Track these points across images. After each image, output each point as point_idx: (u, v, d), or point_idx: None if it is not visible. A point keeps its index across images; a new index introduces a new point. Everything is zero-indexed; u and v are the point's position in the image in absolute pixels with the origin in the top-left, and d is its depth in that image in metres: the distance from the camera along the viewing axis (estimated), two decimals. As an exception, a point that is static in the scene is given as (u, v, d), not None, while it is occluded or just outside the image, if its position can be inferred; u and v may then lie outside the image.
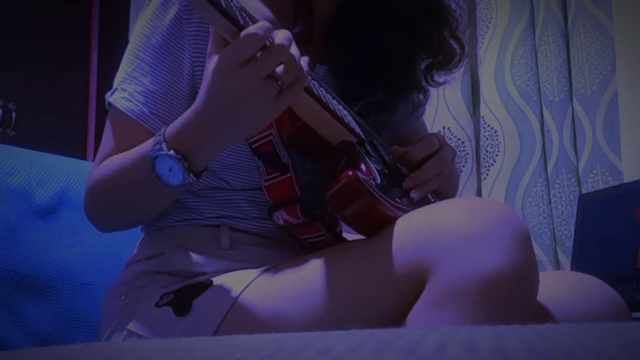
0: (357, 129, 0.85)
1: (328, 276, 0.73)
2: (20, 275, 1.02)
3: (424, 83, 1.00)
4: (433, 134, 0.93)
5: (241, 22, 0.66)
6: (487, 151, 2.02)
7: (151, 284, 0.84)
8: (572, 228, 1.75)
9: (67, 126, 2.97)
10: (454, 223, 0.67)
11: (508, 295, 0.63)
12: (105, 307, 0.88)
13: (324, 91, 0.81)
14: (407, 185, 0.86)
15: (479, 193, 2.01)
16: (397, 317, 0.68)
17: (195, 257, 0.84)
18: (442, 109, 2.06)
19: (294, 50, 0.69)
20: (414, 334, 0.38)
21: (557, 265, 1.83)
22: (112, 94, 0.86)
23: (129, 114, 0.83)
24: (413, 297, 0.67)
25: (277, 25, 0.89)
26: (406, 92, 0.99)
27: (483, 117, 2.03)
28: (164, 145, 0.73)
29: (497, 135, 1.99)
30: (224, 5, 0.65)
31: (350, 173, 0.72)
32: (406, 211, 0.74)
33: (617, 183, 1.73)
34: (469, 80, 2.05)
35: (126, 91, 0.84)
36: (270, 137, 0.80)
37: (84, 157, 2.92)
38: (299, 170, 0.82)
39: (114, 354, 0.41)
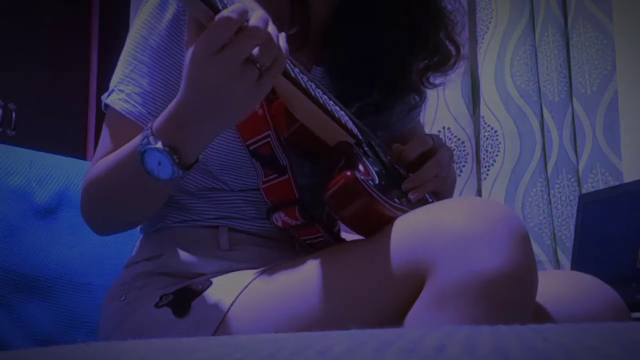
0: (355, 130, 0.85)
1: (327, 276, 0.73)
2: (20, 275, 1.02)
3: (419, 85, 1.00)
4: (428, 135, 0.94)
5: (219, 6, 0.65)
6: (487, 151, 2.02)
7: (151, 285, 0.84)
8: (572, 228, 1.75)
9: (67, 126, 2.97)
10: (452, 223, 0.67)
11: (507, 295, 0.63)
12: (105, 308, 0.88)
13: (321, 92, 0.81)
14: (406, 187, 0.86)
15: (479, 193, 2.01)
16: (396, 317, 0.68)
17: (194, 258, 0.84)
18: (442, 109, 2.06)
19: (271, 29, 0.67)
20: (413, 334, 0.38)
21: (557, 265, 1.83)
22: (109, 95, 0.85)
23: (127, 115, 0.83)
24: (412, 297, 0.67)
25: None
26: (402, 94, 0.99)
27: (483, 117, 2.03)
28: (151, 138, 0.72)
29: (497, 135, 1.99)
30: None
31: (348, 173, 0.72)
32: (405, 211, 0.74)
33: (617, 183, 1.73)
34: (469, 80, 2.05)
35: (124, 92, 0.84)
36: (268, 139, 0.80)
37: (84, 157, 2.92)
38: (297, 172, 0.81)
39: (114, 354, 0.41)
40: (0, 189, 1.06)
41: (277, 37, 0.69)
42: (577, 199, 1.73)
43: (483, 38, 2.06)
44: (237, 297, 0.76)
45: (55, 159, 1.18)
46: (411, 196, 0.85)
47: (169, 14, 0.84)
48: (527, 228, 0.86)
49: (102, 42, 3.06)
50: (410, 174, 0.89)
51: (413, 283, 0.67)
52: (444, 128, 2.05)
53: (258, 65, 0.67)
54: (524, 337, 0.36)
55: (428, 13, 0.95)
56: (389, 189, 0.80)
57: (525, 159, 1.92)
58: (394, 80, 0.96)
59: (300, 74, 0.77)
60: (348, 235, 0.83)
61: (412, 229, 0.70)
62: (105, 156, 0.83)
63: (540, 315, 0.78)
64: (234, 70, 0.66)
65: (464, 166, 2.02)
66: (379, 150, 0.89)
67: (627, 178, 1.72)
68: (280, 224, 0.82)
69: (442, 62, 0.98)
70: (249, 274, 0.79)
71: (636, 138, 1.74)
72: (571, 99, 1.87)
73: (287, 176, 0.80)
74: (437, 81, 1.01)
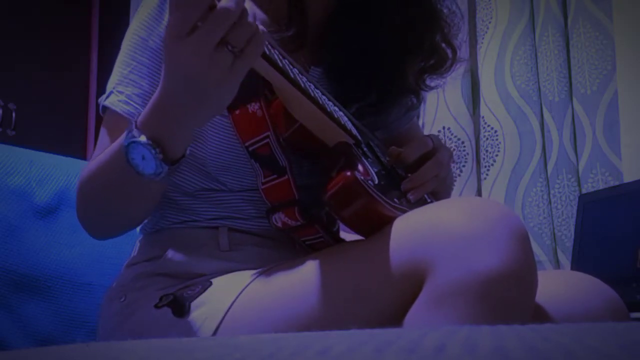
0: (354, 131, 0.85)
1: (326, 277, 0.73)
2: (20, 275, 1.02)
3: (416, 87, 1.00)
4: (428, 135, 0.94)
5: None
6: (487, 151, 2.02)
7: (150, 285, 0.84)
8: (572, 228, 1.76)
9: (67, 126, 2.97)
10: (452, 222, 0.67)
11: (506, 295, 0.63)
12: (104, 309, 0.88)
13: (320, 93, 0.81)
14: (405, 187, 0.86)
15: (479, 193, 2.02)
16: (395, 317, 0.68)
17: (194, 258, 0.84)
18: (442, 109, 2.06)
19: (247, 6, 0.65)
20: (413, 334, 0.38)
21: (557, 265, 1.83)
22: (108, 97, 0.85)
23: (128, 117, 0.82)
24: (411, 297, 0.67)
25: (270, 28, 0.89)
26: (399, 95, 0.99)
27: (483, 117, 2.03)
28: (135, 132, 0.71)
29: (497, 135, 1.99)
30: None
31: (348, 174, 0.72)
32: (404, 211, 0.74)
33: (617, 183, 1.73)
34: (469, 80, 2.05)
35: (123, 94, 0.83)
36: (267, 140, 0.80)
37: (84, 157, 2.92)
38: (297, 172, 0.81)
39: (114, 354, 0.41)
40: (0, 189, 1.06)
41: (253, 16, 0.66)
42: (577, 199, 1.73)
43: (483, 38, 2.06)
44: (236, 298, 0.76)
45: (55, 159, 1.18)
46: (410, 196, 0.85)
47: (168, 15, 0.83)
48: (527, 228, 0.86)
49: (102, 42, 3.06)
50: (409, 174, 0.89)
51: (412, 283, 0.67)
52: (444, 128, 2.05)
53: (231, 47, 0.65)
54: (524, 337, 0.36)
55: (424, 15, 0.95)
56: (388, 189, 0.80)
57: (525, 159, 1.93)
58: (390, 82, 0.96)
59: (299, 75, 0.77)
60: (348, 235, 0.83)
61: (411, 229, 0.70)
62: None
63: (539, 315, 0.78)
64: (206, 53, 0.64)
65: (464, 166, 2.02)
66: (378, 150, 0.89)
67: (627, 178, 1.72)
68: (280, 224, 0.82)
69: (438, 65, 0.98)
70: (248, 274, 0.79)
71: (636, 138, 1.74)
72: (571, 99, 1.87)
73: (286, 177, 0.80)
74: (434, 83, 1.01)
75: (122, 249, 1.10)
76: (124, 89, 0.84)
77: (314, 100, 0.77)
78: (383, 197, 0.73)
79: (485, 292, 0.63)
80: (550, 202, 1.87)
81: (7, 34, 2.81)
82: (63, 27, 3.01)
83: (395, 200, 0.77)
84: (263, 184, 0.81)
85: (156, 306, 0.80)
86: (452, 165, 2.02)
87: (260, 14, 0.92)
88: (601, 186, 1.76)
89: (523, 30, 1.97)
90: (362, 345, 0.34)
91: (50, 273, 1.05)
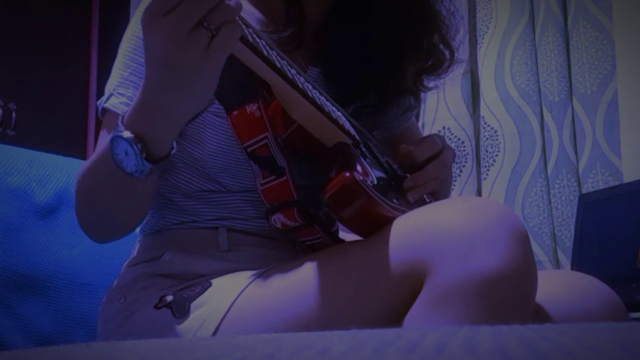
0: (352, 131, 0.85)
1: (326, 277, 0.73)
2: (20, 275, 1.02)
3: (414, 87, 1.00)
4: (435, 135, 0.93)
5: None
6: (487, 151, 2.02)
7: (150, 286, 0.84)
8: (572, 228, 1.76)
9: (67, 126, 2.97)
10: (452, 222, 0.67)
11: (506, 295, 0.63)
12: (104, 310, 0.88)
13: (318, 93, 0.80)
14: (407, 185, 0.86)
15: (479, 193, 2.02)
16: (395, 318, 0.68)
17: (193, 259, 0.84)
18: (442, 109, 2.06)
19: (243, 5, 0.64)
20: (413, 334, 0.38)
21: (557, 265, 1.83)
22: (108, 99, 0.84)
23: None
24: (411, 297, 0.67)
25: (268, 28, 0.89)
26: (397, 96, 0.99)
27: (483, 117, 2.03)
28: (121, 127, 0.71)
29: (497, 135, 1.99)
30: None
31: (347, 174, 0.72)
32: (403, 211, 0.74)
33: (617, 183, 1.73)
34: (469, 80, 2.05)
35: (124, 96, 0.83)
36: (266, 141, 0.80)
37: (84, 157, 2.91)
38: (295, 173, 0.81)
39: (114, 354, 0.41)
40: (0, 188, 1.06)
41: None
42: (577, 199, 1.73)
43: (483, 38, 2.06)
44: (236, 298, 0.76)
45: (55, 159, 1.18)
46: (410, 197, 0.85)
47: None
48: (527, 228, 0.86)
49: (102, 41, 3.06)
50: (409, 174, 0.89)
51: (412, 283, 0.67)
52: (444, 128, 2.05)
53: (207, 25, 0.64)
54: (524, 337, 0.36)
55: (422, 16, 0.95)
56: (387, 189, 0.80)
57: (525, 159, 1.93)
58: (388, 82, 0.96)
59: (297, 75, 0.77)
60: (347, 236, 0.83)
61: (411, 229, 0.70)
62: None
63: (538, 314, 0.78)
64: (181, 35, 0.63)
65: (464, 166, 2.02)
66: (377, 150, 0.89)
67: (627, 178, 1.72)
68: (279, 225, 0.81)
69: (436, 66, 0.98)
70: (248, 275, 0.79)
71: (636, 138, 1.74)
72: (571, 99, 1.87)
73: (285, 177, 0.80)
74: (432, 84, 1.01)
75: (122, 249, 1.10)
76: (125, 91, 0.83)
77: (312, 101, 0.77)
78: (382, 197, 0.73)
79: (485, 291, 0.63)
80: (550, 202, 1.87)
81: (7, 33, 2.81)
82: (63, 26, 3.01)
83: (395, 200, 0.77)
84: (262, 184, 0.81)
85: (156, 307, 0.80)
86: (452, 165, 2.01)
87: (257, 14, 0.92)
88: (601, 186, 1.76)
89: (523, 30, 1.97)
90: (362, 345, 0.34)
91: (50, 273, 1.05)
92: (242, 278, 0.79)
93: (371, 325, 0.61)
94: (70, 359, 0.41)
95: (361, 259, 0.73)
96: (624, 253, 1.45)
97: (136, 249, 0.92)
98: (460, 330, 0.39)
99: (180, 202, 0.88)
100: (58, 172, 1.15)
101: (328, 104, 0.82)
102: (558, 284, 0.84)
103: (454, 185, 2.01)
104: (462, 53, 1.98)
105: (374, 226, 0.73)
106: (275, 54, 0.74)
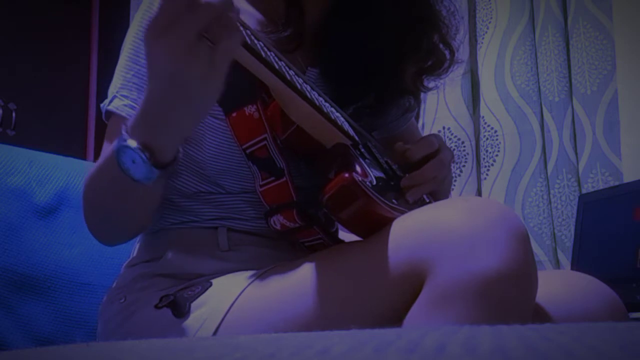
0: (351, 132, 0.84)
1: (326, 278, 0.73)
2: (20, 275, 1.02)
3: (413, 88, 0.99)
4: (432, 135, 0.93)
5: None
6: (487, 151, 2.02)
7: (150, 286, 0.84)
8: (572, 228, 1.76)
9: (67, 126, 2.97)
10: (452, 222, 0.67)
11: (507, 295, 0.63)
12: (104, 310, 0.88)
13: (317, 94, 0.80)
14: (404, 184, 0.86)
15: (479, 193, 2.02)
16: (395, 318, 0.68)
17: (193, 259, 0.84)
18: (442, 109, 2.06)
19: (243, 5, 0.65)
20: (413, 334, 0.38)
21: (557, 265, 1.83)
22: (111, 102, 0.84)
23: None
24: (411, 298, 0.67)
25: (267, 28, 0.89)
26: (396, 96, 0.99)
27: (483, 117, 2.03)
28: (125, 136, 0.71)
29: (497, 135, 1.99)
30: None
31: (346, 175, 0.72)
32: (403, 212, 0.74)
33: (617, 183, 1.73)
34: (469, 80, 2.05)
35: (128, 98, 0.83)
36: (265, 142, 0.80)
37: (84, 157, 2.92)
38: (295, 174, 0.81)
39: (114, 354, 0.41)
40: (0, 188, 1.06)
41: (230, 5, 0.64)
42: (577, 199, 1.73)
43: (483, 38, 2.06)
44: (237, 298, 0.76)
45: (55, 159, 1.18)
46: (409, 197, 0.85)
47: None
48: (527, 228, 0.86)
49: (102, 41, 3.06)
50: (408, 174, 0.89)
51: (412, 283, 0.67)
52: (444, 128, 2.05)
53: (208, 39, 0.64)
54: (524, 337, 0.36)
55: (422, 16, 0.95)
56: (387, 190, 0.79)
57: (525, 159, 1.93)
58: (388, 83, 0.96)
59: (296, 76, 0.77)
60: (347, 236, 0.83)
61: (411, 229, 0.70)
62: None
63: (538, 314, 0.78)
64: (183, 47, 0.63)
65: (464, 166, 2.02)
66: (376, 151, 0.89)
67: (627, 178, 1.72)
68: (278, 227, 0.81)
69: (436, 66, 0.98)
70: (248, 275, 0.79)
71: (636, 138, 1.74)
72: (571, 99, 1.87)
73: (284, 179, 0.80)
74: (431, 84, 1.01)
75: (122, 249, 1.10)
76: (129, 93, 0.83)
77: (310, 102, 0.77)
78: (381, 198, 0.73)
79: (485, 291, 0.63)
80: (550, 202, 1.87)
81: (7, 33, 2.81)
82: (63, 26, 3.01)
83: (394, 201, 0.76)
84: (261, 186, 0.81)
85: (156, 307, 0.80)
86: (452, 165, 2.01)
87: (256, 14, 0.92)
88: (601, 186, 1.76)
89: (523, 30, 1.97)
90: (362, 345, 0.34)
91: (50, 273, 1.05)
92: (242, 278, 0.79)
93: (371, 325, 0.61)
94: (70, 359, 0.41)
95: (361, 259, 0.73)
96: (624, 253, 1.45)
97: (136, 249, 0.92)
98: (460, 330, 0.39)
99: (180, 203, 0.88)
100: (58, 172, 1.15)
101: (327, 105, 0.82)
102: (558, 284, 0.84)
103: (454, 185, 2.01)
104: (462, 53, 1.98)
105: (374, 227, 0.73)
106: (274, 55, 0.74)
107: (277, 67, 0.73)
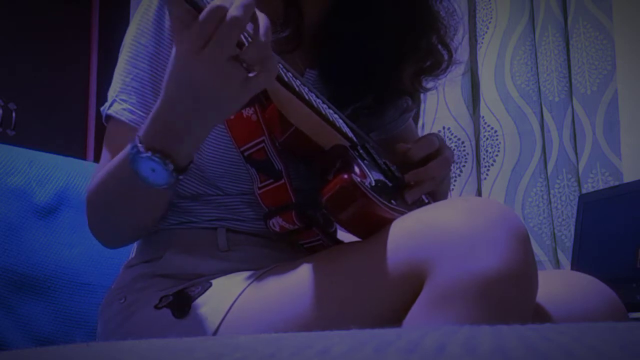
0: (349, 133, 0.84)
1: (326, 278, 0.73)
2: (20, 275, 1.02)
3: (412, 88, 0.99)
4: (433, 134, 0.93)
5: (203, 5, 0.64)
6: (487, 151, 2.02)
7: (150, 287, 0.84)
8: (572, 228, 1.76)
9: (67, 126, 2.97)
10: (452, 222, 0.67)
11: (507, 295, 0.63)
12: (104, 311, 0.88)
13: (314, 96, 0.80)
14: (409, 179, 0.86)
15: (479, 193, 2.02)
16: (395, 318, 0.68)
17: (193, 259, 0.84)
18: (442, 109, 2.06)
19: (259, 17, 0.65)
20: (413, 334, 0.38)
21: (557, 265, 1.83)
22: (111, 105, 0.84)
23: (135, 125, 0.82)
24: (411, 298, 0.67)
25: None
26: (394, 97, 0.99)
27: (483, 117, 2.03)
28: (140, 147, 0.71)
29: (497, 135, 1.99)
30: None
31: (345, 176, 0.72)
32: (402, 213, 0.74)
33: (617, 183, 1.73)
34: (469, 80, 2.05)
35: (127, 102, 0.83)
36: (263, 144, 0.80)
37: (84, 157, 2.92)
38: (293, 176, 0.81)
39: (114, 354, 0.41)
40: (0, 189, 1.06)
41: (266, 26, 0.65)
42: (577, 199, 1.73)
43: (483, 38, 2.06)
44: (236, 299, 0.76)
45: (55, 159, 1.18)
46: (408, 197, 0.85)
47: (168, 21, 0.83)
48: (527, 228, 0.86)
49: (102, 41, 3.06)
50: (412, 171, 0.89)
51: (412, 283, 0.67)
52: (444, 128, 2.05)
53: (245, 64, 0.66)
54: (524, 337, 0.36)
55: (421, 17, 0.95)
56: (386, 191, 0.79)
57: (525, 159, 1.93)
58: (386, 84, 0.96)
59: (293, 78, 0.77)
60: (346, 236, 0.83)
61: (410, 230, 0.70)
62: None
63: (537, 314, 0.78)
64: (220, 68, 0.65)
65: (464, 166, 2.02)
66: (374, 152, 0.89)
67: (627, 178, 1.72)
68: (277, 229, 0.81)
69: (434, 67, 0.98)
70: (248, 275, 0.79)
71: (636, 138, 1.74)
72: (571, 99, 1.87)
73: (282, 181, 0.80)
74: (429, 85, 1.01)
75: (122, 249, 1.10)
76: (128, 97, 0.83)
77: (308, 104, 0.77)
78: (380, 199, 0.73)
79: (485, 291, 0.63)
80: (550, 202, 1.87)
81: (7, 33, 2.81)
82: (63, 26, 3.01)
83: (393, 202, 0.76)
84: (259, 188, 0.81)
85: (156, 307, 0.80)
86: (452, 165, 2.01)
87: None
88: (601, 186, 1.76)
89: (523, 30, 1.97)
90: (362, 345, 0.34)
91: (50, 273, 1.05)
92: (242, 278, 0.79)
93: (371, 325, 0.61)
94: (70, 359, 0.41)
95: (361, 260, 0.73)
96: (624, 253, 1.45)
97: (135, 250, 0.92)
98: (460, 330, 0.39)
99: (179, 204, 0.88)
100: (58, 172, 1.15)
101: (325, 106, 0.82)
102: (558, 283, 0.84)
103: (454, 186, 2.01)
104: (462, 53, 1.98)
105: (373, 228, 0.73)
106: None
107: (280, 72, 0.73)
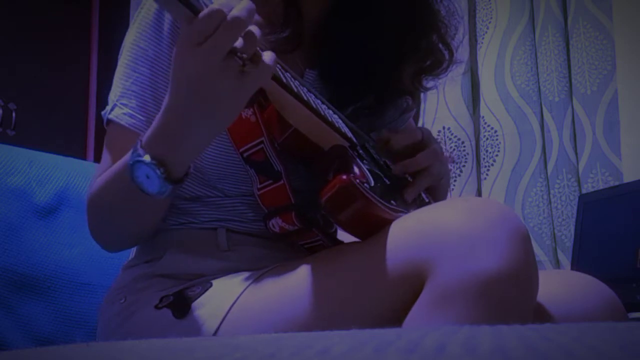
0: (349, 133, 0.84)
1: (326, 279, 0.73)
2: (20, 275, 1.02)
3: (412, 88, 0.99)
4: (418, 128, 0.93)
5: (197, 6, 0.64)
6: (487, 151, 2.02)
7: (150, 287, 0.84)
8: (572, 228, 1.76)
9: (67, 126, 2.97)
10: (452, 223, 0.67)
11: (507, 295, 0.63)
12: (104, 311, 0.88)
13: (313, 96, 0.80)
14: (396, 170, 0.86)
15: (479, 193, 2.02)
16: (395, 318, 0.68)
17: (193, 259, 0.84)
18: (442, 109, 2.06)
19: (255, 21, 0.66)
20: (413, 334, 0.38)
21: (557, 266, 1.83)
22: (112, 110, 0.84)
23: (135, 130, 0.82)
24: (412, 299, 0.67)
25: (265, 29, 0.89)
26: (394, 97, 0.99)
27: (483, 117, 2.03)
28: (140, 151, 0.71)
29: (497, 135, 1.99)
30: None
31: (344, 177, 0.72)
32: (402, 213, 0.74)
33: (617, 183, 1.73)
34: (469, 80, 2.05)
35: (127, 106, 0.83)
36: (262, 145, 0.80)
37: (84, 157, 2.92)
38: (293, 176, 0.81)
39: (114, 354, 0.41)
40: (0, 189, 1.06)
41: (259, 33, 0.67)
42: (577, 199, 1.73)
43: (483, 38, 2.06)
44: (237, 299, 0.76)
45: (55, 159, 1.18)
46: (406, 196, 0.85)
47: (167, 24, 0.83)
48: (527, 228, 0.86)
49: (102, 41, 3.06)
50: (409, 177, 0.88)
51: (413, 283, 0.67)
52: (444, 128, 2.05)
53: (241, 54, 0.66)
54: (524, 337, 0.36)
55: (421, 16, 0.95)
56: (385, 191, 0.79)
57: (525, 159, 1.93)
58: (386, 83, 0.96)
59: (292, 79, 0.77)
60: (346, 237, 0.83)
61: (410, 230, 0.70)
62: None
63: (537, 314, 0.78)
64: (215, 62, 0.65)
65: (464, 166, 2.02)
66: (374, 152, 0.89)
67: (627, 178, 1.72)
68: (277, 229, 0.81)
69: (434, 66, 0.98)
70: (248, 275, 0.79)
71: (636, 138, 1.74)
72: (571, 99, 1.87)
73: (282, 182, 0.80)
74: (430, 84, 1.01)
75: (122, 249, 1.10)
76: (128, 101, 0.83)
77: (307, 105, 0.77)
78: (380, 199, 0.73)
79: (485, 291, 0.63)
80: (550, 202, 1.87)
81: (7, 33, 2.81)
82: (63, 26, 3.01)
83: (392, 202, 0.76)
84: (259, 189, 0.81)
85: (156, 307, 0.80)
86: (452, 165, 2.02)
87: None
88: (601, 186, 1.76)
89: (523, 30, 1.97)
90: (362, 345, 0.34)
91: (50, 273, 1.05)
92: (242, 279, 0.79)
93: (371, 325, 0.61)
94: (70, 359, 0.41)
95: (361, 260, 0.73)
96: (624, 253, 1.45)
97: (135, 250, 0.92)
98: (460, 330, 0.39)
99: (179, 205, 0.88)
100: (58, 172, 1.15)
101: (324, 107, 0.82)
102: (557, 283, 0.84)
103: (454, 186, 2.01)
104: (462, 53, 1.98)
105: (373, 228, 0.73)
106: None
107: (277, 73, 0.72)
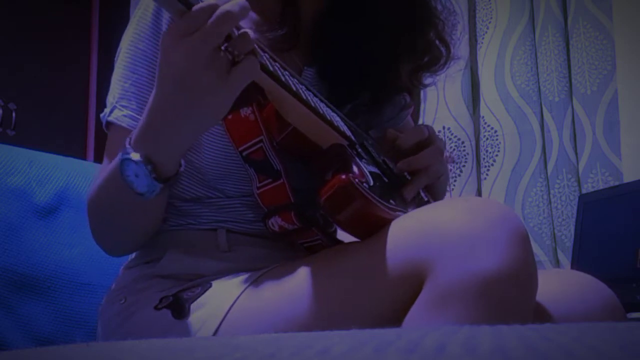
0: (348, 132, 0.84)
1: (326, 279, 0.73)
2: (20, 275, 1.02)
3: (410, 85, 0.99)
4: (423, 125, 0.93)
5: (191, 1, 0.64)
6: (487, 151, 2.02)
7: (150, 287, 0.84)
8: (572, 228, 1.76)
9: (67, 126, 2.97)
10: (452, 222, 0.67)
11: (506, 295, 0.63)
12: (104, 311, 0.88)
13: (312, 95, 0.80)
14: (401, 167, 0.86)
15: (479, 193, 2.02)
16: (395, 318, 0.68)
17: (193, 260, 0.84)
18: (442, 109, 2.06)
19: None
20: (413, 334, 0.38)
21: (557, 265, 1.84)
22: (111, 112, 0.84)
23: None
24: (411, 298, 0.67)
25: (262, 27, 0.89)
26: (392, 94, 0.99)
27: (483, 117, 2.03)
28: (129, 148, 0.71)
29: (497, 135, 1.99)
30: None
31: (343, 177, 0.72)
32: (401, 212, 0.74)
33: (617, 183, 1.73)
34: (469, 80, 2.05)
35: (128, 108, 0.83)
36: (261, 144, 0.80)
37: (84, 157, 2.92)
38: (292, 175, 0.81)
39: (114, 354, 0.41)
40: (0, 189, 1.06)
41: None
42: (577, 199, 1.73)
43: (483, 38, 2.06)
44: (236, 299, 0.76)
45: (55, 159, 1.18)
46: (406, 194, 0.85)
47: (165, 24, 0.83)
48: (527, 228, 0.86)
49: (102, 41, 3.06)
50: (407, 175, 0.88)
51: (412, 283, 0.67)
52: (444, 128, 2.05)
53: (229, 52, 0.65)
54: (524, 337, 0.36)
55: (418, 14, 0.95)
56: (385, 190, 0.79)
57: (525, 159, 1.93)
58: (384, 81, 0.96)
59: (290, 77, 0.76)
60: (346, 236, 0.83)
61: (410, 230, 0.70)
62: None
63: (537, 314, 0.78)
64: (202, 55, 0.64)
65: (464, 166, 2.02)
66: (373, 150, 0.89)
67: (627, 178, 1.72)
68: (277, 229, 0.81)
69: (432, 63, 0.98)
70: (248, 276, 0.79)
71: (636, 138, 1.74)
72: (571, 99, 1.87)
73: (281, 180, 0.80)
74: (427, 81, 1.01)
75: (122, 249, 1.10)
76: (127, 103, 0.83)
77: (305, 103, 0.77)
78: (379, 199, 0.73)
79: (485, 291, 0.63)
80: (550, 202, 1.87)
81: (7, 33, 2.81)
82: (63, 26, 3.01)
83: (392, 201, 0.76)
84: (258, 188, 0.81)
85: (156, 307, 0.80)
86: (452, 165, 2.02)
87: (251, 14, 0.92)
88: (601, 186, 1.76)
89: (523, 30, 1.97)
90: (362, 345, 0.34)
91: (50, 273, 1.05)
92: (241, 279, 0.79)
93: (371, 325, 0.61)
94: (70, 359, 0.41)
95: (361, 260, 0.72)
96: (624, 253, 1.45)
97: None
98: (460, 330, 0.39)
99: (179, 206, 0.88)
100: (58, 172, 1.15)
101: (322, 105, 0.82)
102: (557, 283, 0.84)
103: (454, 186, 2.01)
104: (462, 52, 1.98)
105: (372, 228, 0.73)
106: (268, 56, 0.73)
107: (271, 69, 0.72)
